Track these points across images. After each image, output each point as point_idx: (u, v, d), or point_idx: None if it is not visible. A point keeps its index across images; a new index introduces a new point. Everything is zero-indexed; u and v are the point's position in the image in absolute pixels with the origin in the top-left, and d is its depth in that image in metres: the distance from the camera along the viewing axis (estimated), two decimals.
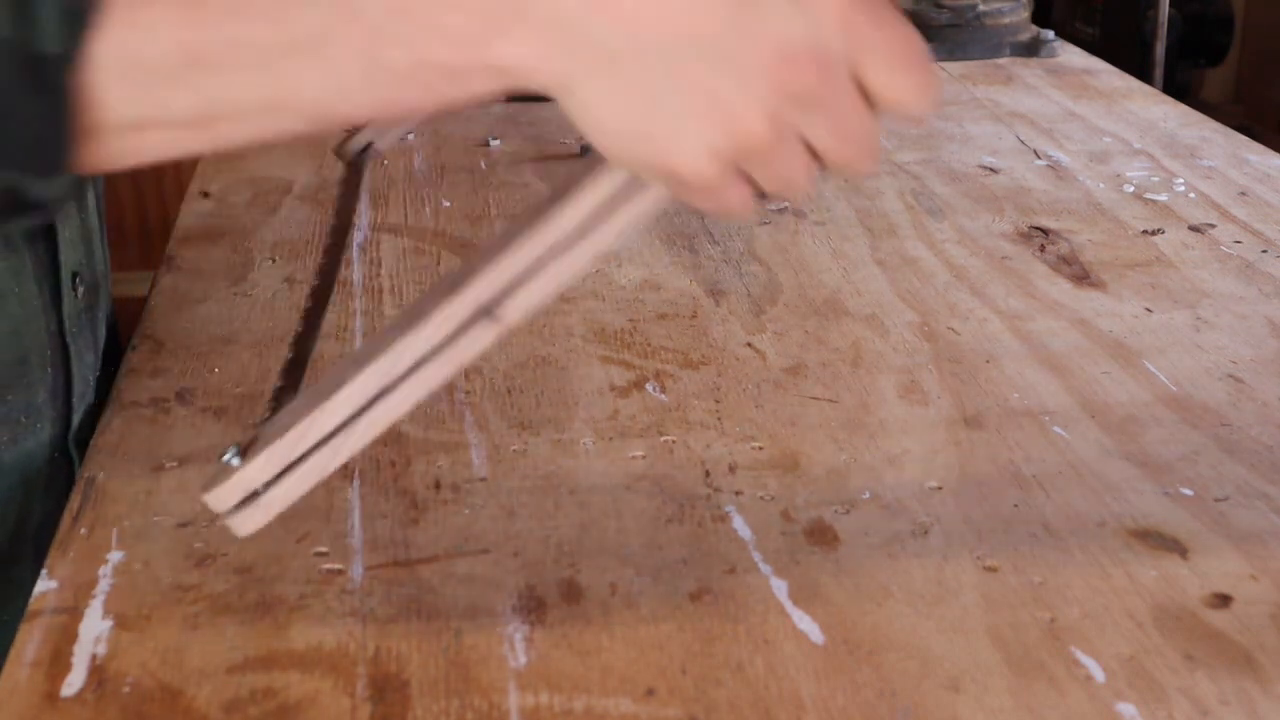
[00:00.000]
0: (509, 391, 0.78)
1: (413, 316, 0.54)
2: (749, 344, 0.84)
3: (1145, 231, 1.00)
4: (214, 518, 0.55)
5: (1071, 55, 1.45)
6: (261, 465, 0.54)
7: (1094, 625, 0.59)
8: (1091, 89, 1.33)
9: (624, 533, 0.65)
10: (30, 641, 0.58)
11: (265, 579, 0.61)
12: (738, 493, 0.68)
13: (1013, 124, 1.23)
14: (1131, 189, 1.07)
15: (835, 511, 0.67)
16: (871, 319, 0.87)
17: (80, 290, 0.77)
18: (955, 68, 1.40)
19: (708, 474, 0.70)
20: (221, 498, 0.55)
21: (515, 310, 0.54)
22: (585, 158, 0.53)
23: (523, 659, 0.57)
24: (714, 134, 0.49)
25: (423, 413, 0.75)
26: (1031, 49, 1.44)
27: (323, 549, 0.64)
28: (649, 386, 0.79)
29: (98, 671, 0.56)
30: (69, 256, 0.75)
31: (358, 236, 1.00)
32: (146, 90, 0.47)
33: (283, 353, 0.65)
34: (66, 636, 0.58)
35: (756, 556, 0.63)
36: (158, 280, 0.93)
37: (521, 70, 0.48)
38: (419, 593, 0.61)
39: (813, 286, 0.92)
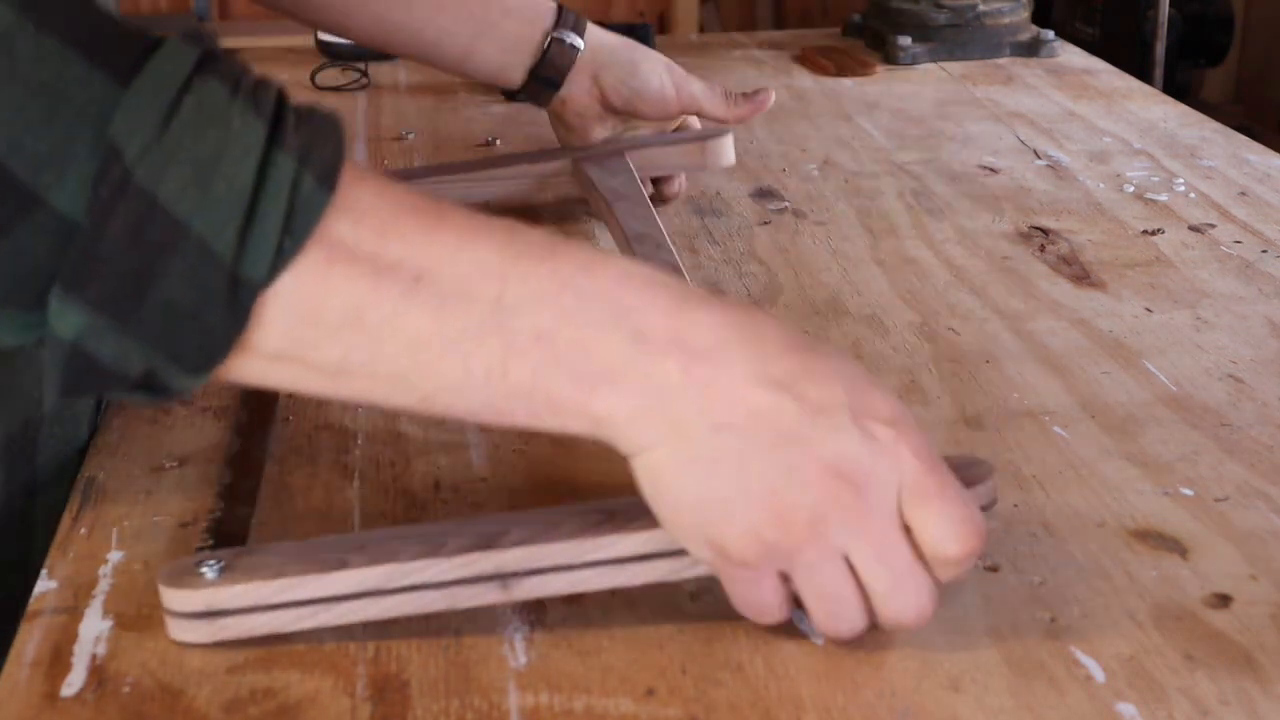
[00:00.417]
0: None
1: (436, 536, 0.57)
2: None
3: (1145, 231, 0.99)
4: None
5: (1071, 55, 1.45)
6: (238, 594, 0.56)
7: (1094, 625, 0.59)
8: (1091, 89, 1.33)
9: None
10: (30, 641, 0.58)
11: None
12: None
13: (1013, 124, 1.23)
14: (1131, 189, 1.07)
15: None
16: (871, 319, 0.87)
17: None
18: (955, 68, 1.40)
19: None
20: (182, 599, 0.56)
21: (526, 591, 0.57)
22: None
23: (523, 659, 0.57)
24: (761, 518, 0.53)
25: None
26: (1031, 49, 1.43)
27: None
28: None
29: (98, 671, 0.56)
30: None
31: None
32: (306, 332, 0.50)
33: None
34: (66, 636, 0.58)
35: None
36: None
37: (612, 423, 0.53)
38: None
39: (813, 286, 0.92)
